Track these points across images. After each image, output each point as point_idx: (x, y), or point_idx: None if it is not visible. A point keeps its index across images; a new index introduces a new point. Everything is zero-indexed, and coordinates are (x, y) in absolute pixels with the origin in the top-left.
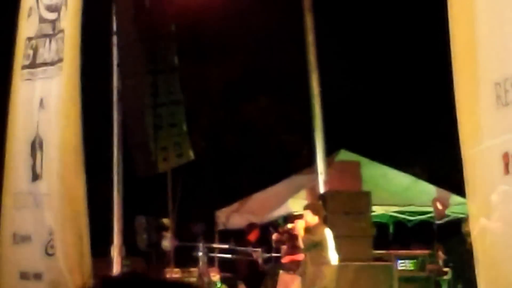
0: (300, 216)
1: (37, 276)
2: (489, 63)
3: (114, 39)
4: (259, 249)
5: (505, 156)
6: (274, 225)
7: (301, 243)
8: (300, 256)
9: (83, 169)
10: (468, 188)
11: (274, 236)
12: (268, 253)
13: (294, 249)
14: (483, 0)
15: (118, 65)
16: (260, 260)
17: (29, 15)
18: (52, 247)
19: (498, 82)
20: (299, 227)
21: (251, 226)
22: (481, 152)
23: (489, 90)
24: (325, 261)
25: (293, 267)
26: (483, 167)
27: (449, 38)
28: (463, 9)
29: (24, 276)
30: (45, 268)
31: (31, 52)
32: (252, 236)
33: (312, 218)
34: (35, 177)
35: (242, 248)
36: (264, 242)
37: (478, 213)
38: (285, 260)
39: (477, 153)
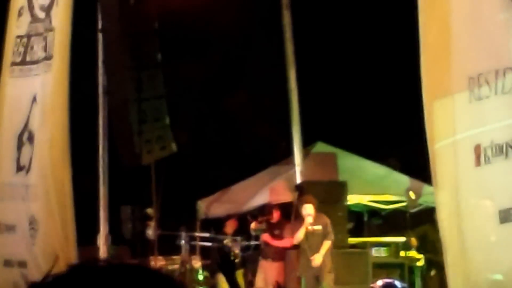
0: (277, 206)
1: (22, 264)
2: (463, 57)
3: (99, 36)
4: (238, 238)
5: (477, 148)
6: (252, 214)
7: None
8: (283, 243)
9: (69, 162)
10: (436, 179)
11: (253, 225)
12: (247, 241)
13: (274, 237)
14: None
15: (103, 62)
16: (236, 249)
17: (20, 15)
18: (33, 236)
19: (472, 77)
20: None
21: (228, 218)
22: (452, 144)
23: (463, 84)
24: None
25: (271, 254)
26: (454, 159)
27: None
28: (436, 6)
29: (8, 263)
30: (29, 256)
31: (22, 49)
32: (229, 229)
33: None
34: (19, 168)
35: (221, 237)
36: (243, 231)
37: (446, 203)
38: (277, 243)
39: (448, 145)
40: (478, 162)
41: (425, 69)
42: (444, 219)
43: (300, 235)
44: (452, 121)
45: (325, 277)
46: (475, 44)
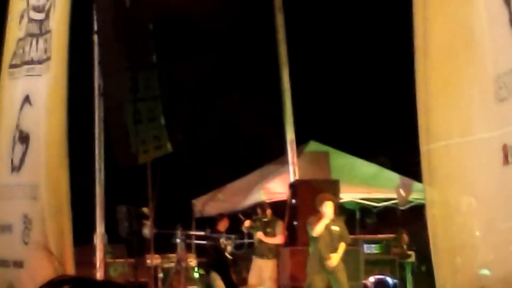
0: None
1: (17, 264)
2: (485, 60)
3: (95, 37)
4: (232, 236)
5: (504, 147)
6: (245, 213)
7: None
8: (276, 240)
9: (67, 163)
10: (434, 177)
11: (247, 223)
12: (240, 239)
13: (266, 234)
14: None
15: (99, 63)
16: (229, 247)
17: (22, 17)
18: (27, 235)
19: (495, 79)
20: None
21: (220, 216)
22: (476, 143)
23: (488, 85)
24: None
25: (265, 252)
26: (478, 158)
27: (413, 35)
28: (449, 7)
29: (3, 263)
30: (25, 256)
31: (19, 51)
32: (221, 226)
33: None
34: (13, 169)
35: (216, 235)
36: (236, 229)
37: (443, 200)
38: (272, 241)
39: (469, 143)
40: (506, 161)
41: (428, 68)
42: (435, 216)
43: (319, 228)
44: (468, 121)
45: (339, 275)
46: (494, 48)
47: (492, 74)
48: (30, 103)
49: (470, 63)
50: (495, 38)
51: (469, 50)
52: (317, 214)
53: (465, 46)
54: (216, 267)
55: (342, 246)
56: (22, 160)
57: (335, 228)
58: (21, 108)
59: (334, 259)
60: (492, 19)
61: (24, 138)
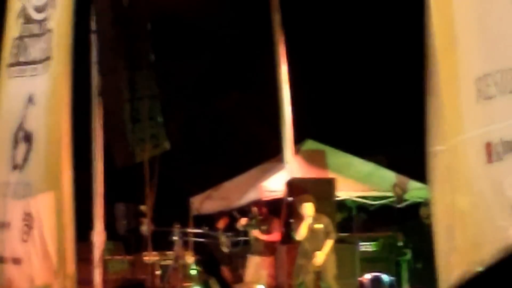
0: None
1: (16, 261)
2: (469, 59)
3: (93, 37)
4: (229, 234)
5: (488, 146)
6: (240, 211)
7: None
8: (272, 237)
9: (70, 162)
10: (437, 177)
11: (243, 221)
12: (236, 237)
13: (262, 232)
14: (461, 0)
15: (97, 62)
16: (228, 244)
17: (19, 17)
18: (27, 233)
19: (479, 77)
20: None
21: (220, 215)
22: (461, 143)
23: (470, 85)
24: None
25: (262, 249)
26: (464, 157)
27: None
28: (443, 9)
29: (1, 260)
30: (23, 253)
31: (18, 51)
32: (221, 224)
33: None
34: (15, 167)
35: (214, 233)
36: (231, 227)
37: (446, 199)
38: (268, 238)
39: (458, 143)
40: (490, 159)
41: (435, 73)
42: (439, 215)
43: (302, 231)
44: (460, 121)
45: (327, 274)
46: (480, 47)
47: (473, 74)
48: (33, 103)
49: (457, 63)
50: (477, 39)
51: (455, 51)
52: (299, 215)
53: (454, 48)
54: (207, 264)
55: (328, 243)
56: (25, 159)
57: (318, 226)
58: (26, 107)
59: (319, 257)
60: (490, 19)
61: (28, 137)
